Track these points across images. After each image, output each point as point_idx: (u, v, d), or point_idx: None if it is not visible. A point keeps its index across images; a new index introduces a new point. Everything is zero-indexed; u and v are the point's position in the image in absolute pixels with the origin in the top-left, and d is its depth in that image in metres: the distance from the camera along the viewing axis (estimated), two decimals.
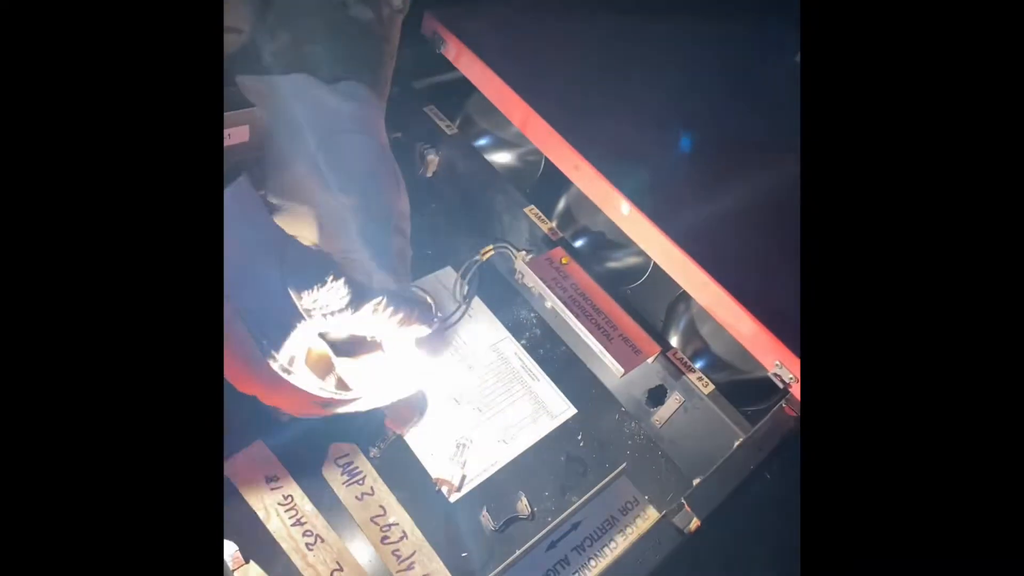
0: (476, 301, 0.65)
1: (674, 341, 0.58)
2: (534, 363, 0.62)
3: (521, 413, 0.59)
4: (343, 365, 0.39)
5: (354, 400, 0.41)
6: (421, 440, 0.55)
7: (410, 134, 0.64)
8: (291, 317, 0.35)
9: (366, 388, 0.41)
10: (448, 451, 0.54)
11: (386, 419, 0.55)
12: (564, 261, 0.53)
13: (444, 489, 0.52)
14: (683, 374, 0.51)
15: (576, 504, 0.46)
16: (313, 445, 0.52)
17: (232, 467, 0.50)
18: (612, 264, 0.64)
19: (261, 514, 0.48)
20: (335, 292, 0.35)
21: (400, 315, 0.39)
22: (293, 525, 0.48)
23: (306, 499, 0.50)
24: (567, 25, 0.66)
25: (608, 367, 0.51)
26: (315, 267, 0.36)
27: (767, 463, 0.43)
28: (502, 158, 0.70)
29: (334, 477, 0.51)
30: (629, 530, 0.44)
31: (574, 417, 0.60)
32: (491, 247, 0.58)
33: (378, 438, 0.54)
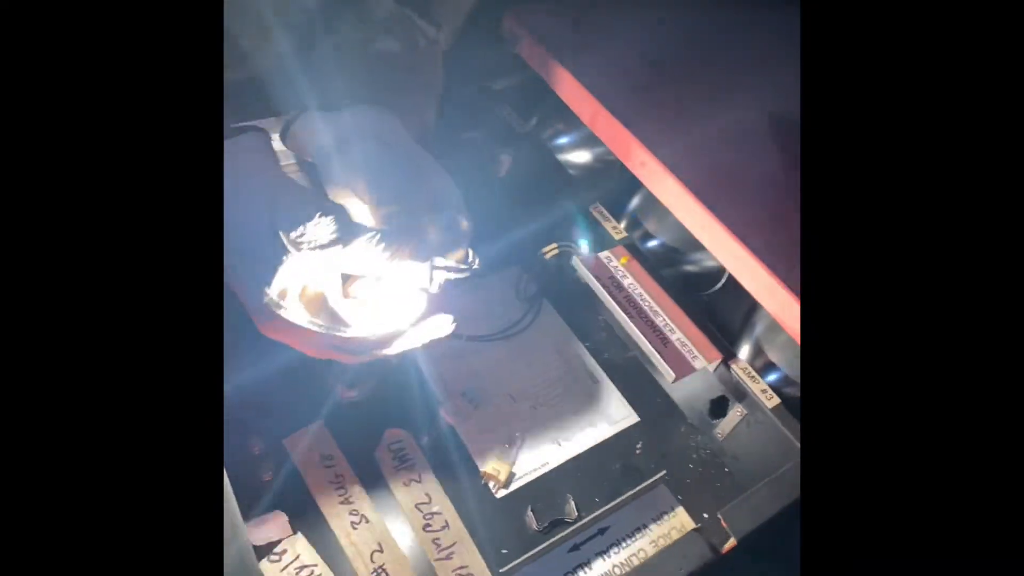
0: (545, 304, 0.64)
1: (745, 351, 0.54)
2: (598, 366, 0.61)
3: (579, 416, 0.58)
4: (338, 302, 0.40)
5: (351, 336, 0.41)
6: (474, 433, 0.55)
7: (485, 134, 0.65)
8: (280, 252, 0.37)
9: (363, 321, 0.40)
10: (499, 447, 0.54)
11: (441, 408, 0.56)
12: (623, 261, 0.51)
13: (491, 484, 0.52)
14: (748, 386, 0.47)
15: (606, 507, 0.44)
16: (371, 430, 0.54)
17: (292, 443, 0.52)
18: (688, 268, 0.61)
19: (313, 490, 0.50)
20: (323, 227, 0.36)
21: (392, 250, 0.38)
22: (341, 503, 0.50)
23: (356, 480, 0.51)
24: (645, 17, 0.64)
25: (673, 378, 0.48)
26: (308, 207, 0.37)
27: None
28: (579, 158, 0.69)
29: (386, 461, 0.53)
30: (661, 540, 0.42)
31: (635, 425, 0.57)
32: (555, 246, 0.58)
33: (432, 426, 0.55)
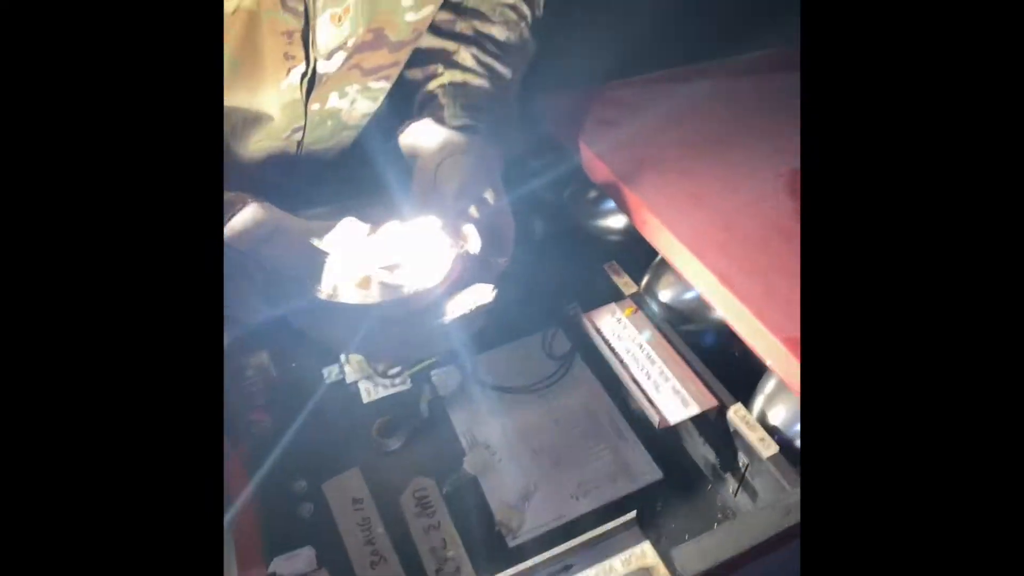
0: (576, 359, 0.66)
1: (758, 402, 0.52)
2: (625, 422, 0.61)
3: (600, 471, 0.58)
4: (381, 275, 0.48)
5: (401, 287, 0.49)
6: (492, 482, 0.57)
7: (520, 201, 0.71)
8: (320, 258, 0.47)
9: (405, 279, 0.49)
10: (516, 497, 0.56)
11: (465, 459, 0.59)
12: (628, 313, 0.53)
13: (505, 532, 0.54)
14: (745, 434, 0.46)
15: (571, 543, 0.44)
16: (400, 475, 0.58)
17: (329, 488, 0.58)
18: (698, 323, 0.61)
19: (341, 529, 0.55)
20: (355, 227, 0.47)
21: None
22: (364, 544, 0.54)
23: (380, 523, 0.55)
24: (654, 91, 0.68)
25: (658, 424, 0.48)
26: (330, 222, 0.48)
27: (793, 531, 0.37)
28: (613, 223, 0.72)
29: (408, 507, 0.56)
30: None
31: (658, 482, 0.57)
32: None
33: (453, 475, 0.58)
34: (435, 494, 0.57)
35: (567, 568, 0.42)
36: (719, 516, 0.51)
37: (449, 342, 0.55)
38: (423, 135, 0.58)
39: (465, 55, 0.63)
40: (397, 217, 0.51)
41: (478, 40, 0.64)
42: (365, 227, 0.47)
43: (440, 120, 0.59)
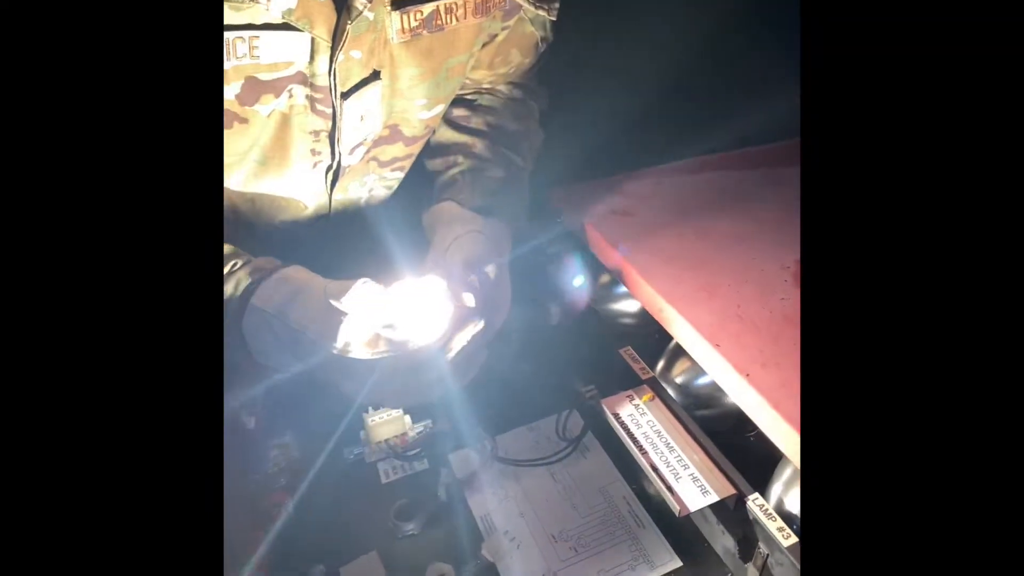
0: (593, 443, 0.67)
1: (775, 490, 0.53)
2: (643, 509, 0.61)
3: (619, 558, 0.58)
4: (388, 333, 0.52)
5: (405, 342, 0.52)
6: (511, 569, 0.57)
7: (539, 288, 0.74)
8: (338, 317, 0.51)
9: (411, 333, 0.52)
10: None
11: (483, 545, 0.59)
12: (646, 399, 0.54)
13: None
14: (764, 524, 0.47)
15: None
16: (417, 561, 0.58)
17: (348, 571, 0.58)
18: (715, 410, 0.62)
19: None
20: (368, 288, 0.51)
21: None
22: None
23: None
24: (664, 182, 0.72)
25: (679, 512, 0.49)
26: (348, 284, 0.52)
27: None
28: (626, 307, 0.74)
29: None
30: None
31: (677, 570, 0.56)
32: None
33: (472, 561, 0.58)
34: None
35: None
36: None
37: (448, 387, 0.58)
38: (444, 215, 0.64)
39: (481, 146, 0.69)
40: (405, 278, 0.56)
41: (491, 133, 0.70)
42: (378, 287, 0.52)
43: (460, 203, 0.65)
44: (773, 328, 0.54)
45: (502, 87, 0.74)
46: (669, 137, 0.81)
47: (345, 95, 0.55)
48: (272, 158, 0.59)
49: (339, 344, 0.51)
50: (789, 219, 0.67)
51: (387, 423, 0.66)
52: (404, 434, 0.67)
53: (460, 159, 0.69)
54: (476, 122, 0.71)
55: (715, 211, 0.68)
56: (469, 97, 0.73)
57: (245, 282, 0.54)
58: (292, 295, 0.53)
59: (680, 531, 0.59)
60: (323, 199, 0.66)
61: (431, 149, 0.71)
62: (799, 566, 0.44)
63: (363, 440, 0.67)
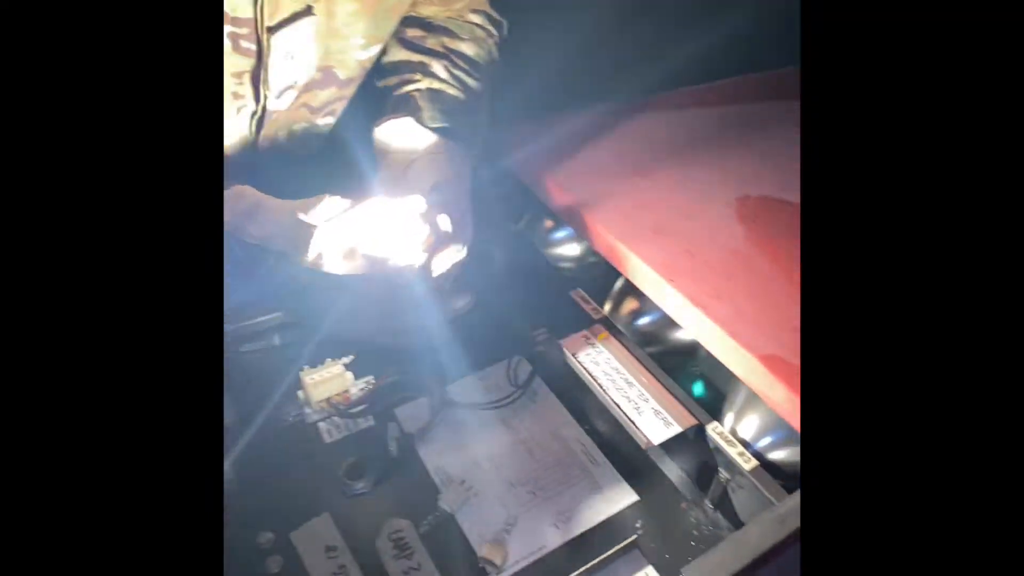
0: (542, 387, 0.67)
1: (728, 419, 0.55)
2: (596, 448, 0.62)
3: (577, 498, 0.58)
4: (366, 247, 0.50)
5: (384, 260, 0.51)
6: (471, 519, 0.56)
7: (477, 232, 0.71)
8: (307, 230, 0.48)
9: (389, 251, 0.51)
10: (496, 531, 0.55)
11: (440, 497, 0.57)
12: (601, 337, 0.54)
13: (489, 569, 0.53)
14: (725, 450, 0.48)
15: (577, 572, 0.44)
16: (373, 519, 0.56)
17: (298, 537, 0.55)
18: (666, 344, 0.63)
19: None
20: (337, 202, 0.49)
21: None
22: None
23: (358, 569, 0.53)
24: (607, 122, 0.71)
25: (645, 444, 0.49)
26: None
27: (794, 540, 0.39)
28: (566, 251, 0.74)
29: (386, 550, 0.54)
30: None
31: (634, 504, 0.58)
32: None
33: (430, 514, 0.56)
34: (412, 535, 0.55)
35: None
36: (708, 531, 0.52)
37: (426, 333, 0.58)
38: (400, 133, 0.60)
39: (438, 67, 0.65)
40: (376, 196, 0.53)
41: (448, 55, 0.66)
42: (346, 202, 0.49)
43: (418, 120, 0.61)
44: (724, 263, 0.54)
45: (460, 14, 0.70)
46: (610, 78, 0.80)
47: (272, 29, 0.49)
48: None
49: (311, 255, 0.48)
50: (730, 157, 0.68)
51: (327, 381, 0.63)
52: (346, 391, 0.63)
53: (418, 76, 0.65)
54: (432, 43, 0.66)
55: (656, 151, 0.68)
56: (425, 16, 0.69)
57: None
58: (250, 210, 0.50)
59: (633, 466, 0.60)
60: (248, 146, 0.60)
61: (381, 69, 0.67)
62: (763, 488, 0.46)
63: (302, 400, 0.63)
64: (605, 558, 0.46)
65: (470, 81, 0.66)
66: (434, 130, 0.61)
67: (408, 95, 0.63)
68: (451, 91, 0.64)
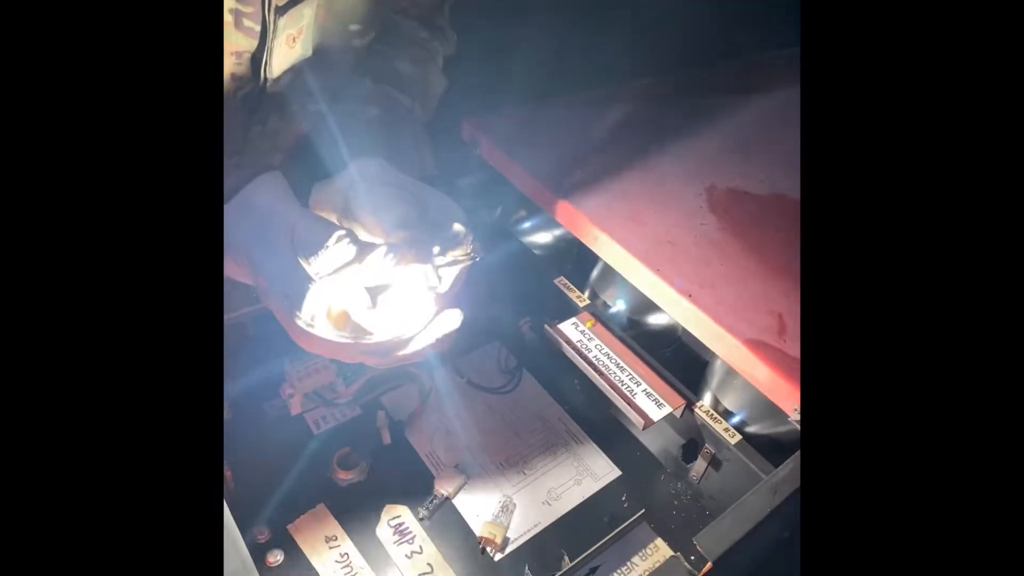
0: (523, 372, 0.69)
1: (707, 397, 0.59)
2: (579, 428, 0.65)
3: (565, 475, 0.61)
4: (360, 315, 0.45)
5: (372, 338, 0.46)
6: (467, 501, 0.58)
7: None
8: (305, 281, 0.44)
9: (382, 326, 0.46)
10: (493, 512, 0.57)
11: (435, 482, 0.59)
12: (589, 324, 0.57)
13: (489, 548, 0.55)
14: (712, 427, 0.52)
15: (594, 548, 0.47)
16: (369, 507, 0.57)
17: (296, 528, 0.55)
18: (647, 328, 0.67)
19: (320, 570, 0.53)
20: (340, 249, 0.44)
21: (399, 257, 0.45)
22: None
23: (360, 556, 0.54)
24: (579, 113, 0.73)
25: (642, 426, 0.53)
26: (322, 234, 0.44)
27: (785, 507, 0.43)
28: (542, 239, 0.76)
29: (386, 536, 0.55)
30: (647, 572, 0.45)
31: (618, 479, 0.61)
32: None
33: (427, 499, 0.58)
34: (411, 519, 0.57)
35: (593, 571, 0.45)
36: (688, 500, 0.57)
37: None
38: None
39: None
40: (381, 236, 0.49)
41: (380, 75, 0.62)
42: (353, 250, 0.44)
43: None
44: (702, 251, 0.58)
45: (408, 23, 0.68)
46: (581, 68, 0.81)
47: (281, 10, 0.48)
48: None
49: (304, 316, 0.44)
50: (697, 147, 0.71)
51: (312, 374, 0.63)
52: (332, 382, 0.63)
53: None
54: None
55: (628, 141, 0.71)
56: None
57: None
58: (258, 227, 0.46)
59: (615, 442, 0.63)
60: (238, 132, 0.57)
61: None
62: (748, 461, 0.50)
63: (284, 393, 0.63)
64: (615, 534, 0.49)
65: (400, 95, 0.62)
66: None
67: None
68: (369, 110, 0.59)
